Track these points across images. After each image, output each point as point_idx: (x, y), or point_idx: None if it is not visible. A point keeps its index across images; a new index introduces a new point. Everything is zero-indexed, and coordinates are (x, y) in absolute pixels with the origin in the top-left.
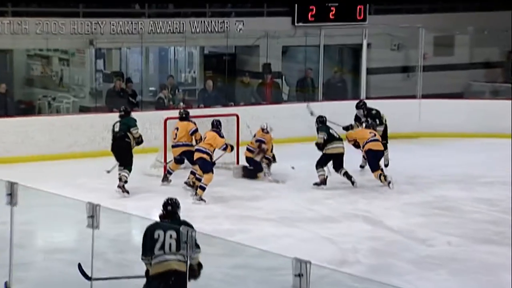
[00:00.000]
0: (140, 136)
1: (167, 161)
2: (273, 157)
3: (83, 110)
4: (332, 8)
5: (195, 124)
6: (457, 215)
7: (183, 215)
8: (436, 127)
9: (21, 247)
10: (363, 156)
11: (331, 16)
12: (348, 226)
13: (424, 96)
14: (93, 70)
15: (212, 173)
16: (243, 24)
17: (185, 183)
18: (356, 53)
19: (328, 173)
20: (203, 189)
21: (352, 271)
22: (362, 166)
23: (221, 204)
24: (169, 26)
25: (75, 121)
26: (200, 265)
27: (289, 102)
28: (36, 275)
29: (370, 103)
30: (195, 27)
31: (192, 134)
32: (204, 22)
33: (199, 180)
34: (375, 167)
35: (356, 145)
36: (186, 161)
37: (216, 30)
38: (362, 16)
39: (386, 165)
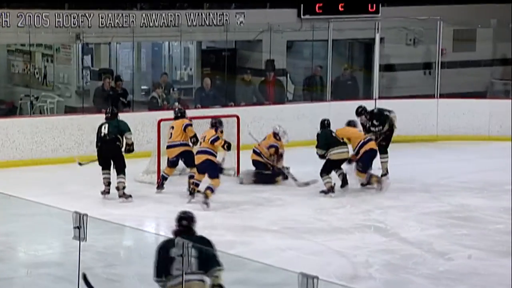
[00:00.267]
0: (133, 143)
1: (161, 166)
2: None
3: (69, 110)
4: None
5: (190, 120)
6: (478, 226)
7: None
8: (455, 130)
9: (1, 261)
10: (350, 160)
11: (340, 8)
12: (360, 238)
13: (443, 96)
14: (80, 67)
15: (219, 178)
16: (244, 16)
17: (190, 192)
18: (368, 48)
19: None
20: (212, 190)
21: (364, 287)
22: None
23: (221, 214)
24: (163, 18)
25: (60, 123)
26: (221, 286)
27: (294, 102)
28: None
29: (383, 103)
30: (192, 20)
31: (184, 128)
32: (201, 14)
33: (197, 185)
34: (368, 167)
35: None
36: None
37: (215, 23)
38: (374, 8)
39: (384, 175)
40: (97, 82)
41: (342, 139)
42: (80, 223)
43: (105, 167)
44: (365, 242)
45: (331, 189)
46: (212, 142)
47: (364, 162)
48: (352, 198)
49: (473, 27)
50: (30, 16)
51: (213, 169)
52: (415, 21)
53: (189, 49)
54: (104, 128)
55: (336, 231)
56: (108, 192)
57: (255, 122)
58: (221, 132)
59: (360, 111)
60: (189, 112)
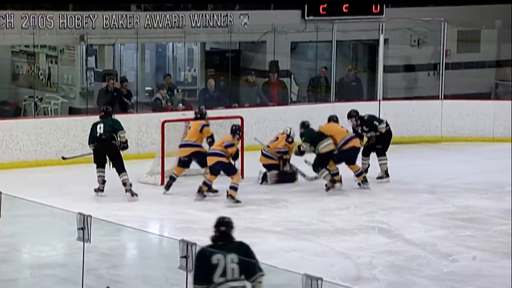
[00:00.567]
0: (127, 141)
1: (165, 167)
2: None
3: (73, 112)
4: (345, 0)
5: (207, 121)
6: (483, 227)
7: (183, 227)
8: (460, 131)
9: (6, 262)
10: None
11: (344, 9)
12: (364, 239)
13: (447, 97)
14: (84, 68)
15: (237, 172)
16: (248, 17)
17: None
18: (372, 49)
19: (341, 185)
20: (236, 189)
21: None
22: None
23: (225, 215)
24: (167, 20)
25: (65, 124)
26: None
27: (298, 103)
28: None
29: (387, 104)
30: (196, 21)
31: (201, 129)
32: (205, 15)
33: (208, 185)
34: (343, 161)
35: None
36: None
37: (219, 24)
38: (378, 9)
39: (380, 177)
40: (101, 84)
41: (324, 133)
42: (84, 224)
43: (100, 165)
44: (369, 243)
45: (333, 181)
46: (226, 147)
47: (343, 157)
48: (355, 199)
49: (477, 28)
50: (34, 18)
51: (229, 168)
52: (419, 22)
53: (193, 50)
54: (100, 128)
55: (340, 232)
56: (102, 190)
57: (259, 123)
58: (238, 139)
59: (352, 114)
60: (192, 113)
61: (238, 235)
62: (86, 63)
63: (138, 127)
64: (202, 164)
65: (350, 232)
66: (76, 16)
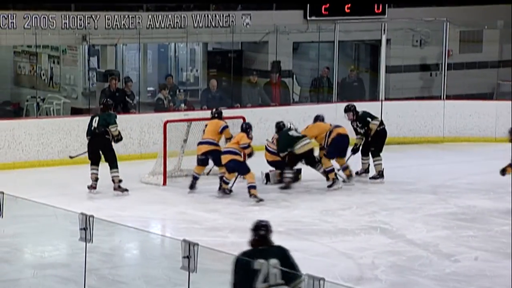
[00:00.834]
0: (119, 133)
1: (167, 167)
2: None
3: (75, 112)
4: (348, 0)
5: (226, 123)
6: (485, 227)
7: (186, 227)
8: (462, 131)
9: (8, 262)
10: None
11: (346, 10)
12: (366, 239)
13: (449, 97)
14: (86, 69)
15: (250, 171)
16: (250, 18)
17: (219, 188)
18: (374, 49)
19: (341, 184)
20: (255, 187)
21: None
22: (357, 173)
23: (226, 215)
24: (169, 20)
25: (67, 124)
26: None
27: (300, 103)
28: None
29: (389, 105)
30: (198, 21)
31: (222, 131)
32: (207, 16)
33: (226, 183)
34: (335, 154)
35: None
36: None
37: (221, 24)
38: (380, 9)
39: (374, 177)
40: (103, 84)
41: (300, 133)
42: (86, 225)
43: (94, 162)
44: (371, 243)
45: (291, 181)
46: (243, 148)
47: (333, 149)
48: (357, 199)
49: (479, 29)
50: (37, 18)
51: (242, 167)
52: (421, 22)
53: (195, 50)
54: (95, 121)
55: (342, 233)
56: (95, 188)
57: (261, 123)
58: (251, 138)
59: (349, 108)
60: (195, 114)
61: (239, 236)
62: (88, 63)
63: (140, 127)
64: (218, 163)
65: (352, 232)
66: (78, 17)
